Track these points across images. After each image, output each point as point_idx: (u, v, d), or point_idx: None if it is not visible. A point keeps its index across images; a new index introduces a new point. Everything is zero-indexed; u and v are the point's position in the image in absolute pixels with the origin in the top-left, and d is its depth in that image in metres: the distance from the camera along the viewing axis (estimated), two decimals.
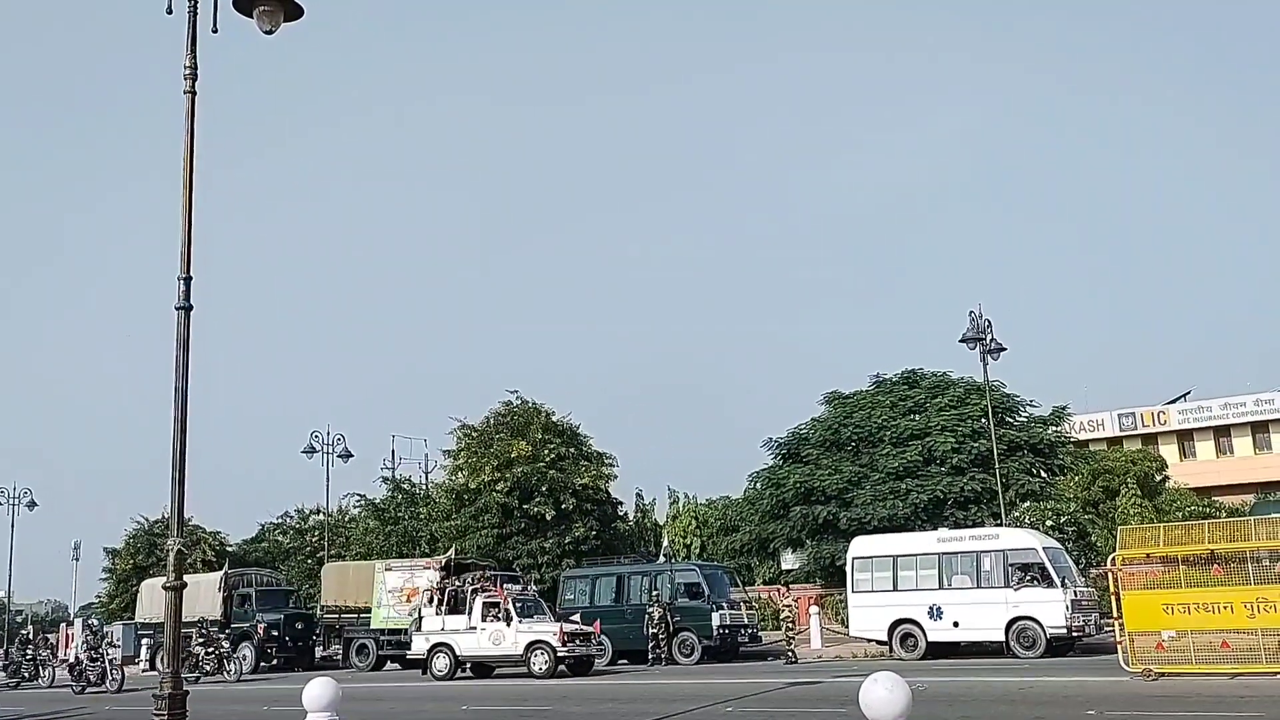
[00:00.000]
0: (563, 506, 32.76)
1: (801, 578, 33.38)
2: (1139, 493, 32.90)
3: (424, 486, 41.28)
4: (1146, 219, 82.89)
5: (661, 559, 31.76)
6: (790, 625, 23.46)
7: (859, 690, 5.41)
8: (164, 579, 9.36)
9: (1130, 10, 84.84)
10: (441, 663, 22.50)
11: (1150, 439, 49.47)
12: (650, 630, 23.59)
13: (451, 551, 29.99)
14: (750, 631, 25.14)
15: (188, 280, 9.44)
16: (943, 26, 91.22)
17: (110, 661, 24.42)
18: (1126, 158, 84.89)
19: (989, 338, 26.13)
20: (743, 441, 71.47)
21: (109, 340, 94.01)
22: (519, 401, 35.31)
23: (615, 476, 35.78)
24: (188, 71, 9.65)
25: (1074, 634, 20.14)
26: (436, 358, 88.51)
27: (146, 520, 44.59)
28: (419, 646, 23.25)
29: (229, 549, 44.83)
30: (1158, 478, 35.90)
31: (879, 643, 22.73)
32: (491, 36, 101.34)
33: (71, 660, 25.52)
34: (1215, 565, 14.67)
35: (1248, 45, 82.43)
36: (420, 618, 23.64)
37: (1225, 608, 14.25)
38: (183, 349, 9.30)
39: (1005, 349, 26.48)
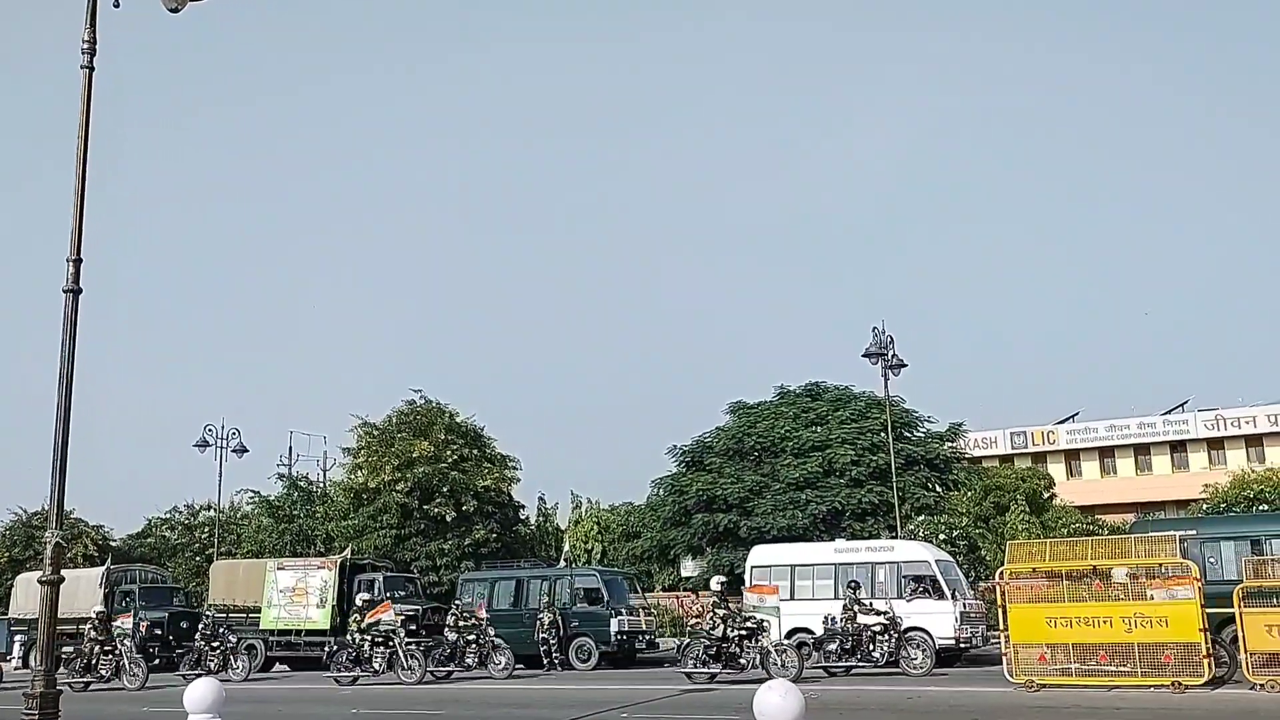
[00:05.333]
0: (464, 508, 32.47)
1: (700, 585, 33.62)
2: (1027, 509, 33.90)
3: (322, 485, 40.52)
4: (1037, 247, 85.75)
5: (562, 563, 31.69)
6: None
7: (753, 698, 5.45)
8: (40, 573, 8.99)
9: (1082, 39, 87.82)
10: None
11: (1039, 457, 51.18)
12: (541, 635, 23.53)
13: (348, 551, 29.50)
14: (648, 638, 25.21)
15: (77, 263, 9.14)
16: (874, 38, 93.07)
17: None
18: (1027, 184, 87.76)
19: (891, 354, 26.74)
20: (647, 448, 71.75)
21: None
22: (422, 401, 34.96)
23: (518, 479, 35.67)
24: (86, 46, 9.34)
25: (962, 645, 20.66)
26: (338, 353, 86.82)
27: (24, 512, 42.81)
28: None
29: (113, 544, 43.27)
30: (1045, 495, 37.06)
31: None
32: (410, 17, 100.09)
33: None
34: (1096, 581, 15.22)
35: (1184, 77, 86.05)
36: None
37: (1104, 622, 14.78)
38: (70, 334, 8.98)
39: (906, 365, 27.13)
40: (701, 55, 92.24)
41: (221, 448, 34.90)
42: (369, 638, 20.22)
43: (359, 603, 21.29)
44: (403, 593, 27.50)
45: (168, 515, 45.61)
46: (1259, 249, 77.82)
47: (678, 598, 32.38)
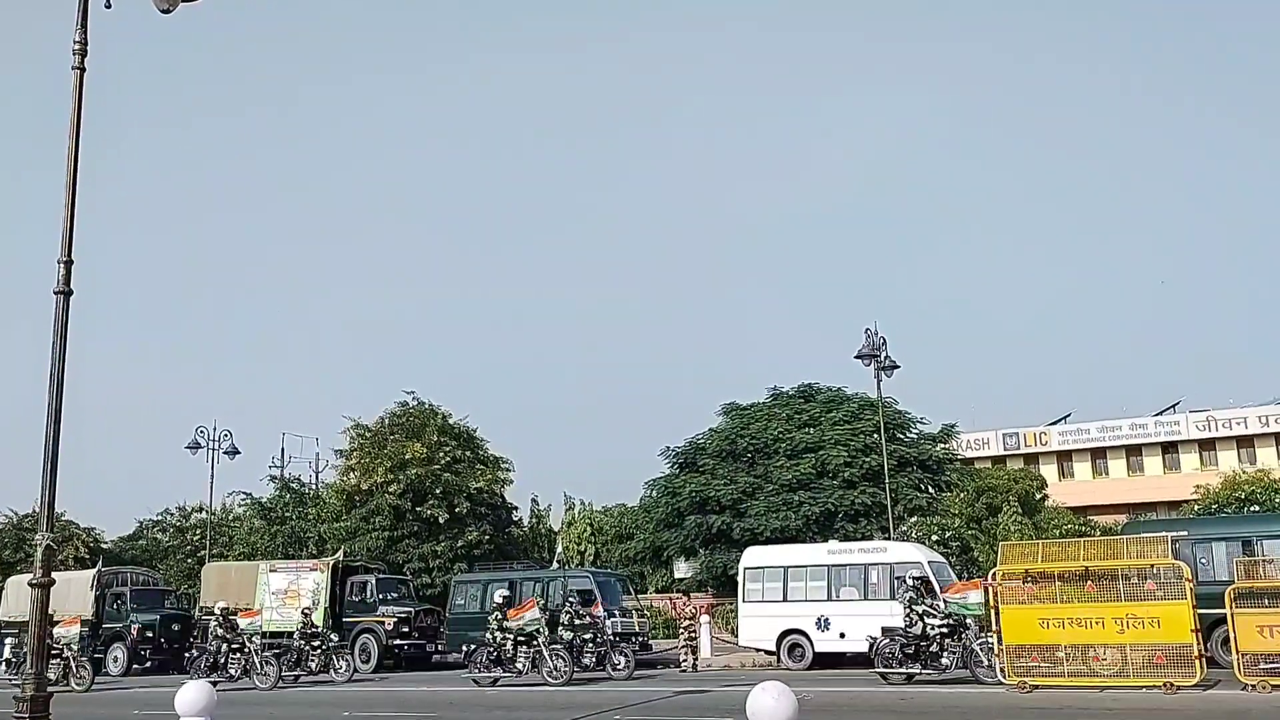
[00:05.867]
0: (456, 510, 32.41)
1: (693, 586, 33.62)
2: (1020, 510, 34.00)
3: (314, 486, 40.42)
4: (1030, 249, 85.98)
5: (555, 565, 31.66)
6: (693, 635, 23.52)
7: (746, 699, 5.46)
8: (31, 576, 8.96)
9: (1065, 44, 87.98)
10: None
11: (1032, 459, 51.32)
12: None
13: (340, 553, 29.43)
14: (641, 639, 25.18)
15: (68, 264, 9.10)
16: (868, 40, 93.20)
17: None
18: (1021, 186, 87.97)
19: (883, 355, 26.71)
20: (640, 449, 71.61)
21: None
22: (415, 402, 34.90)
23: (511, 481, 35.62)
24: (77, 47, 9.32)
25: None
26: (331, 354, 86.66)
27: (15, 514, 42.66)
28: None
29: (104, 546, 43.13)
30: (1038, 496, 37.17)
31: (768, 653, 23.02)
32: (405, 19, 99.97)
33: None
34: (1089, 582, 15.25)
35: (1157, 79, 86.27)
36: None
37: (1097, 623, 14.82)
38: (60, 336, 8.94)
39: (899, 366, 27.10)
40: (697, 57, 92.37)
41: (213, 450, 34.79)
42: (510, 637, 19.15)
43: (498, 599, 20.25)
44: (395, 595, 27.48)
45: (159, 517, 45.49)
46: (1251, 251, 78.15)
47: (670, 599, 32.34)
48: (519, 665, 19.06)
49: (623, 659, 19.75)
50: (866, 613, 21.36)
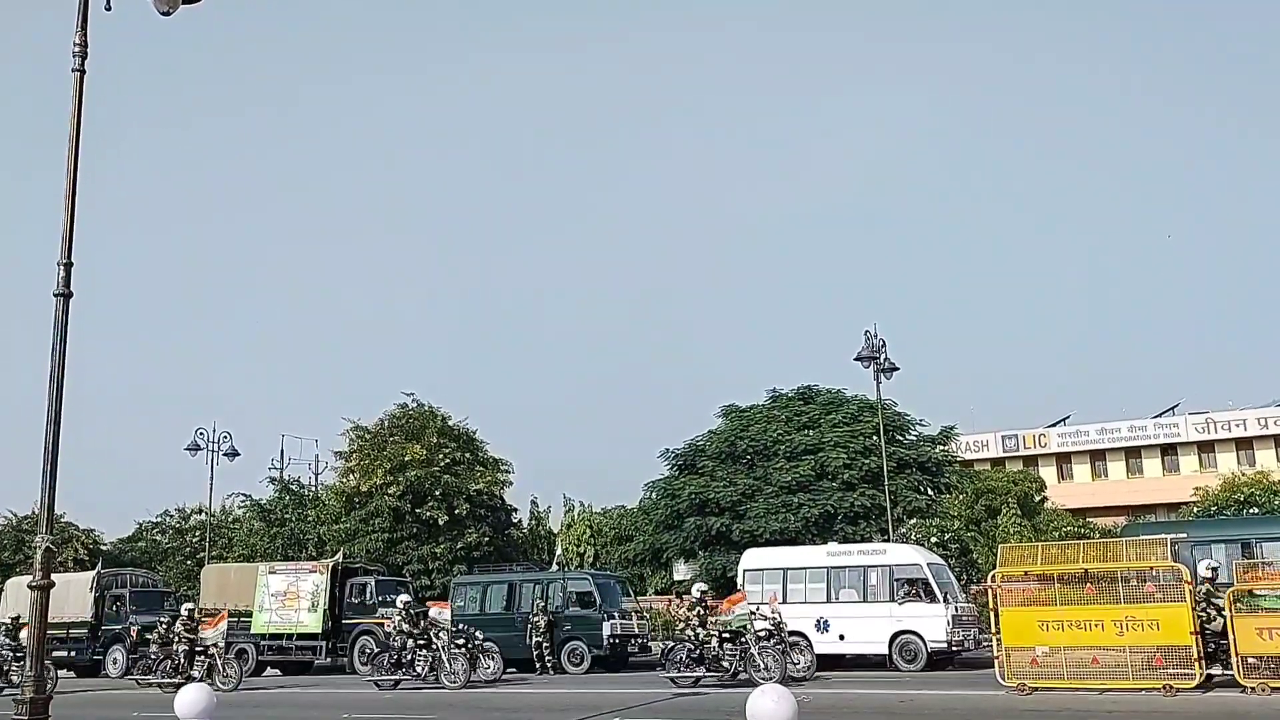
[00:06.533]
0: (456, 512, 32.44)
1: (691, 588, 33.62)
2: (1019, 512, 34.05)
3: (313, 488, 40.45)
4: (1029, 250, 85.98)
5: (554, 567, 31.66)
6: None
7: (746, 701, 5.46)
8: (30, 578, 8.96)
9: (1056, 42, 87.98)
10: None
11: (1031, 460, 51.33)
12: (534, 639, 23.48)
13: (339, 555, 29.43)
14: (641, 641, 25.19)
15: (68, 266, 9.10)
16: (866, 41, 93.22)
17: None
18: (1019, 188, 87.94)
19: (883, 357, 26.75)
20: (639, 451, 71.62)
21: None
22: (415, 404, 34.95)
23: (510, 483, 35.69)
24: (77, 49, 9.33)
25: (954, 648, 20.71)
26: (330, 356, 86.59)
27: (14, 516, 42.74)
28: None
29: (103, 548, 43.21)
30: (1037, 498, 37.19)
31: None
32: (406, 19, 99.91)
33: None
34: (1088, 584, 15.25)
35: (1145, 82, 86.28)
36: None
37: (1096, 625, 14.81)
38: (60, 338, 8.94)
39: (898, 369, 27.14)
40: (697, 57, 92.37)
41: (213, 451, 34.81)
42: (715, 634, 17.68)
43: (695, 594, 18.76)
44: (394, 596, 27.45)
45: (159, 519, 45.54)
46: (1250, 252, 78.18)
47: (669, 601, 32.36)
48: (725, 664, 17.59)
49: (803, 658, 18.75)
50: (866, 615, 21.39)
